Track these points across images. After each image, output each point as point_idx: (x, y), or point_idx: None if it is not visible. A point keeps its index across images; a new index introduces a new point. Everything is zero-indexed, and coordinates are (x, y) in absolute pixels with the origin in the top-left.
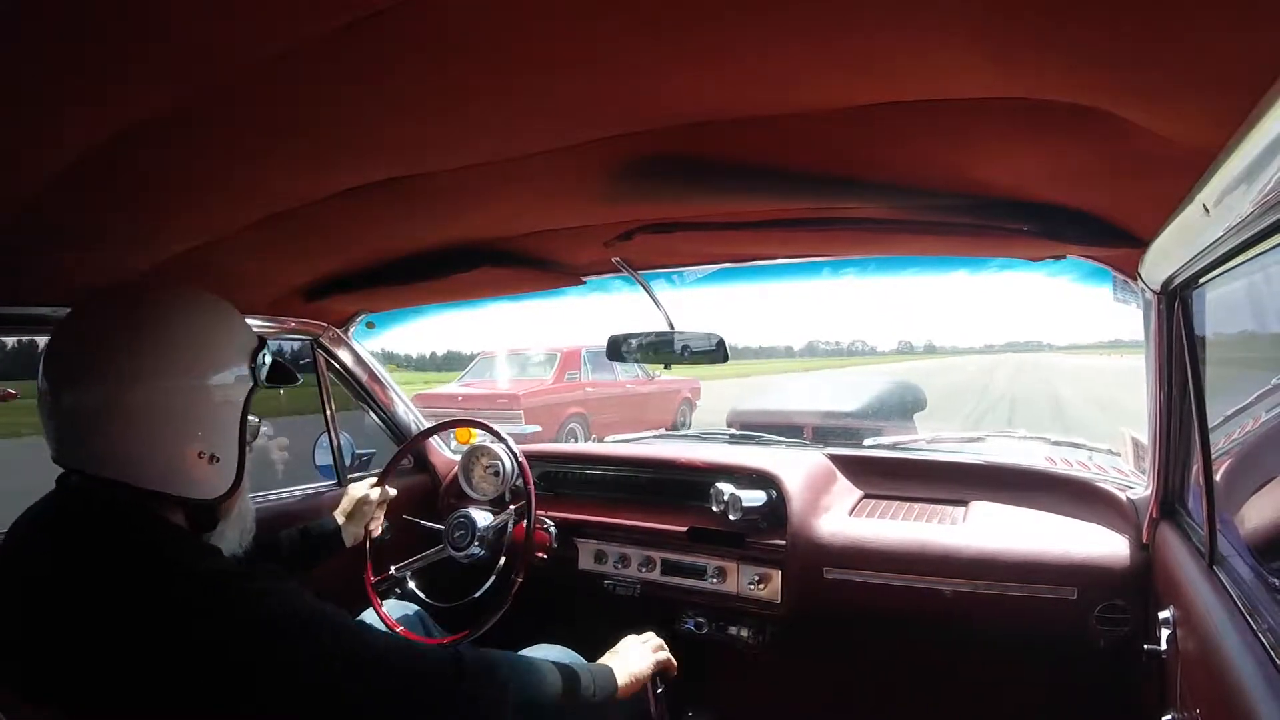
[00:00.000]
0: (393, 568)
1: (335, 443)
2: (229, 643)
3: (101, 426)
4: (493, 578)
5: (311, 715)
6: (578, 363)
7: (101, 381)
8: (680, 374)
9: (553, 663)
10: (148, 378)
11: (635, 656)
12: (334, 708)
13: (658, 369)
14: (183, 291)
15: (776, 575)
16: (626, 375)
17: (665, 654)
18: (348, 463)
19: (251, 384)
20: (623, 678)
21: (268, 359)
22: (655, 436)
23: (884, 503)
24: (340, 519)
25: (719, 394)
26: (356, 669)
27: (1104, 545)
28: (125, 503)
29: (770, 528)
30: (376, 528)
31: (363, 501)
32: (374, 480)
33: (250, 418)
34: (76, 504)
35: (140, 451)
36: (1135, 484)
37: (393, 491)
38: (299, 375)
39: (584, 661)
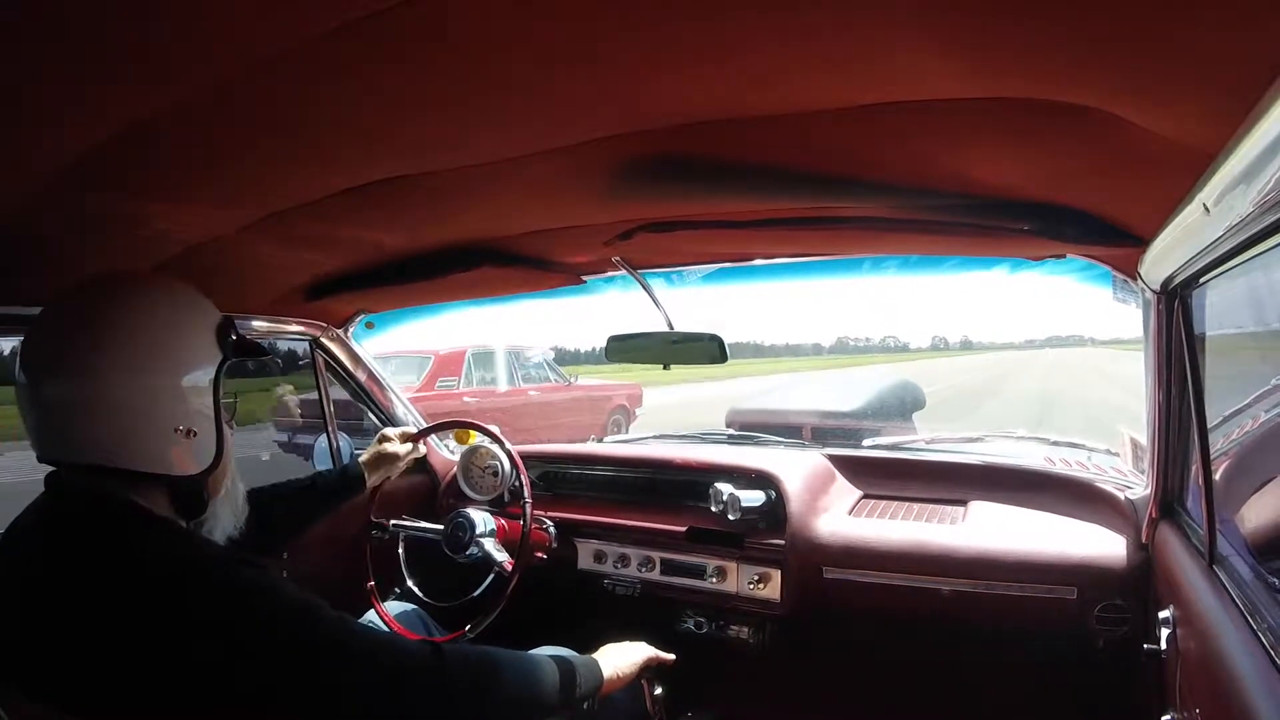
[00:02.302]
0: (391, 522)
1: (334, 443)
2: (220, 632)
3: (78, 417)
4: (491, 577)
5: (294, 706)
6: (458, 368)
7: (73, 375)
8: (617, 377)
9: (537, 656)
10: (119, 368)
11: (622, 653)
12: (317, 698)
13: (579, 373)
14: (146, 280)
15: (776, 575)
16: (531, 382)
17: (654, 651)
18: (346, 463)
19: (221, 358)
20: (608, 671)
21: (233, 335)
22: (654, 437)
23: (883, 503)
24: (365, 464)
25: (721, 395)
26: (343, 660)
27: (1103, 545)
28: (111, 496)
29: (769, 528)
30: (394, 477)
31: (391, 453)
32: (407, 433)
33: (227, 399)
34: (64, 503)
35: (119, 434)
36: (1134, 484)
37: (423, 449)
38: (268, 350)
39: (572, 655)
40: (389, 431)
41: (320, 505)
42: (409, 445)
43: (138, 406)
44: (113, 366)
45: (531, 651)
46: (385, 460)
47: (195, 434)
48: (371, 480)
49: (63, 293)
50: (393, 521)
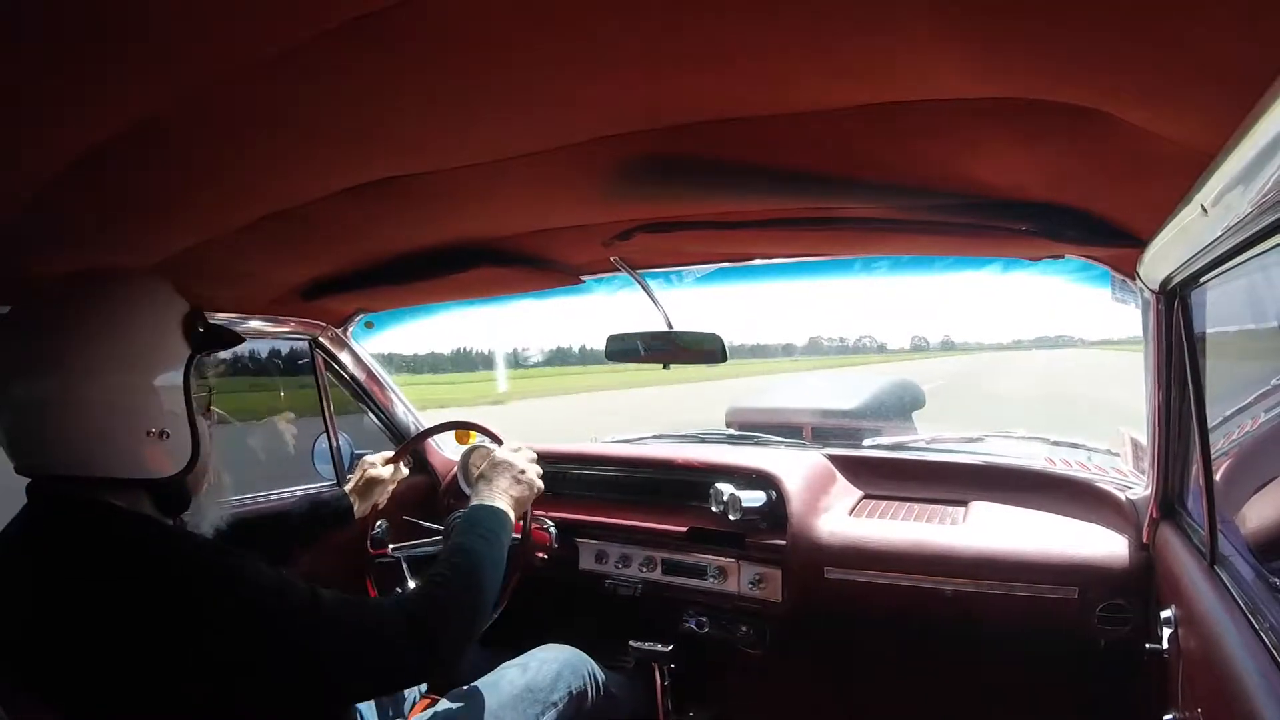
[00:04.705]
0: (390, 547)
1: (334, 443)
2: (211, 617)
3: (46, 424)
4: None
5: (285, 675)
6: None
7: (36, 380)
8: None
9: (459, 549)
10: (82, 370)
11: (503, 477)
12: (306, 668)
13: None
14: (104, 278)
15: (777, 575)
16: None
17: (530, 453)
18: (346, 463)
19: (189, 353)
20: (503, 503)
21: (200, 326)
22: (654, 437)
23: (884, 503)
24: (352, 494)
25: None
26: (325, 628)
27: (1104, 545)
28: (93, 501)
29: (770, 528)
30: (384, 502)
31: (375, 478)
32: (388, 456)
33: (200, 393)
34: (48, 511)
35: (89, 441)
36: (1134, 484)
37: (405, 470)
38: (243, 336)
39: (472, 517)
40: (370, 457)
41: (302, 541)
42: (392, 467)
43: (104, 410)
44: (76, 369)
45: (553, 656)
46: (371, 486)
47: (169, 435)
48: (361, 509)
49: (24, 295)
50: (392, 547)
